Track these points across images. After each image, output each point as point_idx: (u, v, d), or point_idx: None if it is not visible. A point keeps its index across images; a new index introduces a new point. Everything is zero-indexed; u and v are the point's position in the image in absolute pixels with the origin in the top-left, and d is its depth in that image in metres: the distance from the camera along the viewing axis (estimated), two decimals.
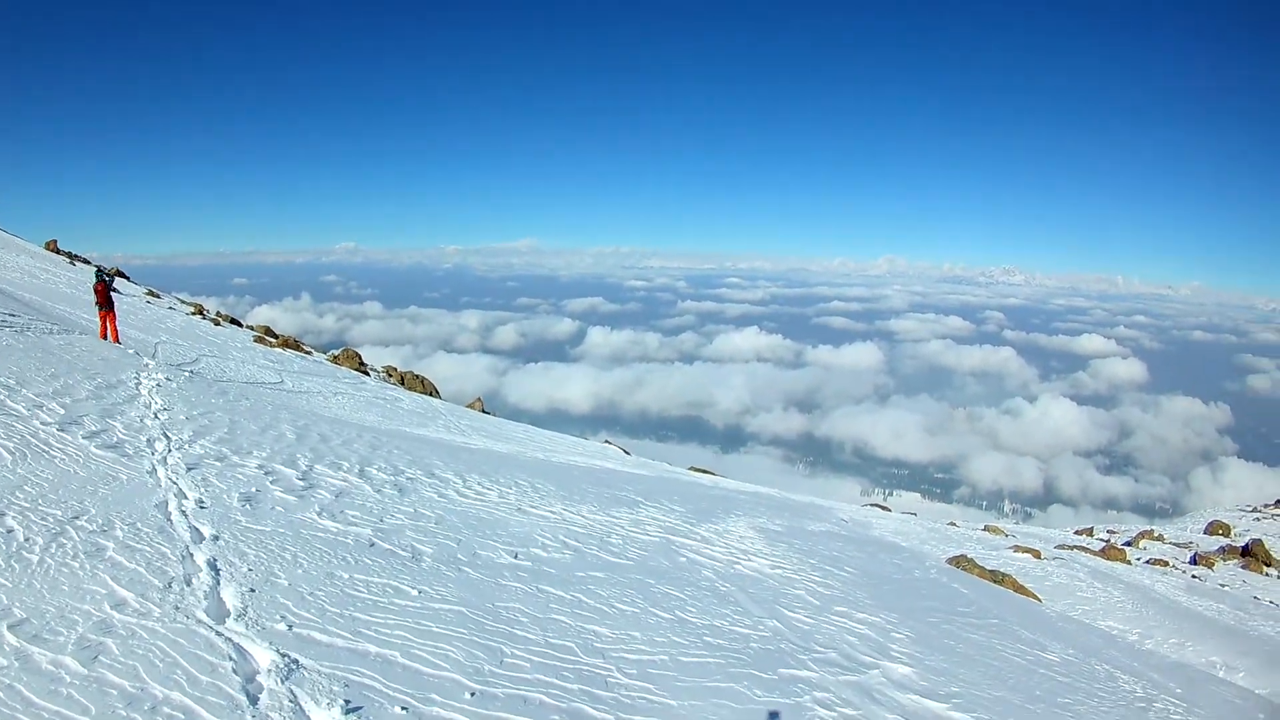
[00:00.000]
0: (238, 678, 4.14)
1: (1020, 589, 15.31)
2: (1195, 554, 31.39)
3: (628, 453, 24.62)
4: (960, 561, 15.87)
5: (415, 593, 5.65)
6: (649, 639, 5.58)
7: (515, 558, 6.80)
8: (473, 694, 4.49)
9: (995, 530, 28.28)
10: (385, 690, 4.33)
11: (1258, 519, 47.24)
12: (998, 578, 15.42)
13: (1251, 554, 31.76)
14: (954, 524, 28.18)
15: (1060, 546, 26.42)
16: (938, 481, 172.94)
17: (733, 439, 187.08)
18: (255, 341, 29.18)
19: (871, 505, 30.24)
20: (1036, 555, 20.94)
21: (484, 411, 27.43)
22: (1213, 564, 29.99)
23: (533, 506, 8.88)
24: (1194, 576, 26.69)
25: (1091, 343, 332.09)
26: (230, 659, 4.31)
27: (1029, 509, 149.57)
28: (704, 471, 25.87)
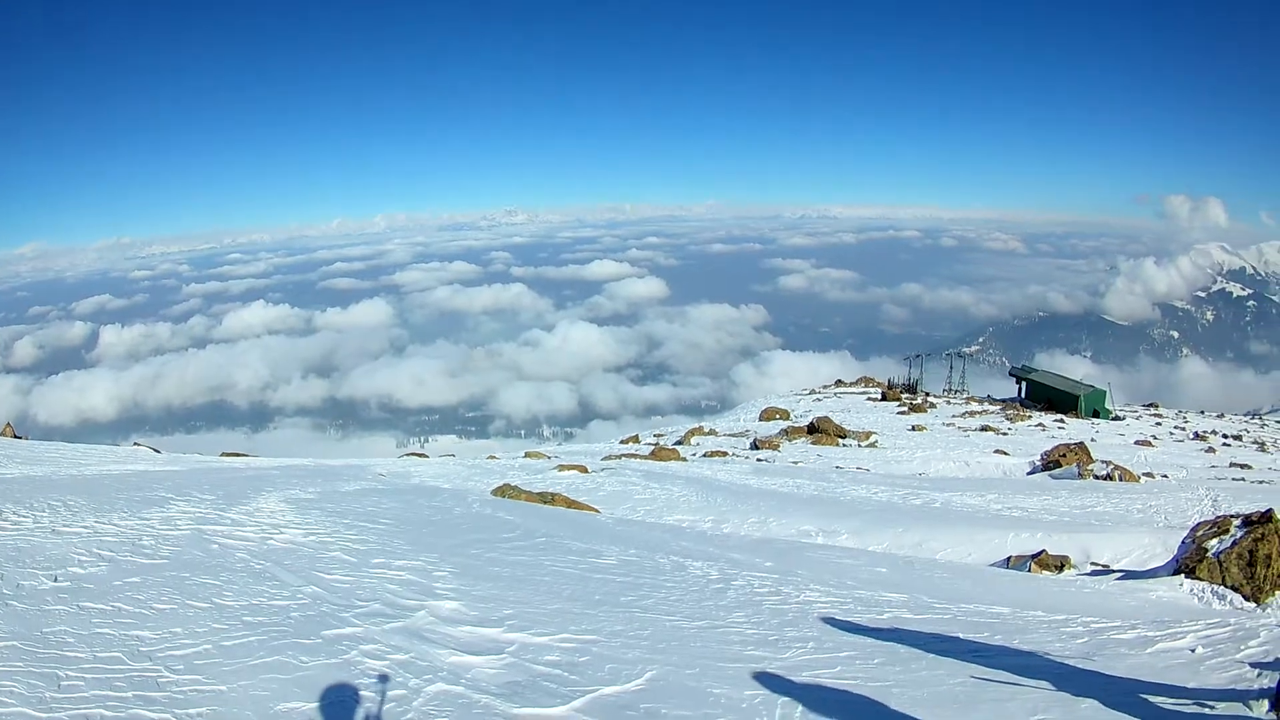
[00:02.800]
0: None
1: (573, 504, 16.94)
2: (755, 440, 35.65)
3: (158, 451, 23.98)
4: (505, 490, 17.31)
5: None
6: (191, 631, 6.08)
7: (55, 580, 6.97)
8: None
9: (537, 454, 30.78)
10: None
11: (818, 399, 55.68)
12: (547, 498, 17.00)
13: (820, 430, 36.85)
14: (494, 457, 30.18)
15: (608, 457, 29.13)
16: (471, 420, 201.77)
17: (260, 416, 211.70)
18: None
19: (409, 454, 32.03)
20: (583, 470, 23.15)
21: (16, 436, 25.00)
22: (777, 446, 34.18)
23: (66, 526, 8.82)
24: (760, 460, 30.39)
25: (604, 268, 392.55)
26: None
27: (569, 429, 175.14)
28: (237, 455, 26.87)
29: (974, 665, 7.12)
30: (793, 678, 6.48)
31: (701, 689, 6.11)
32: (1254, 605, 11.63)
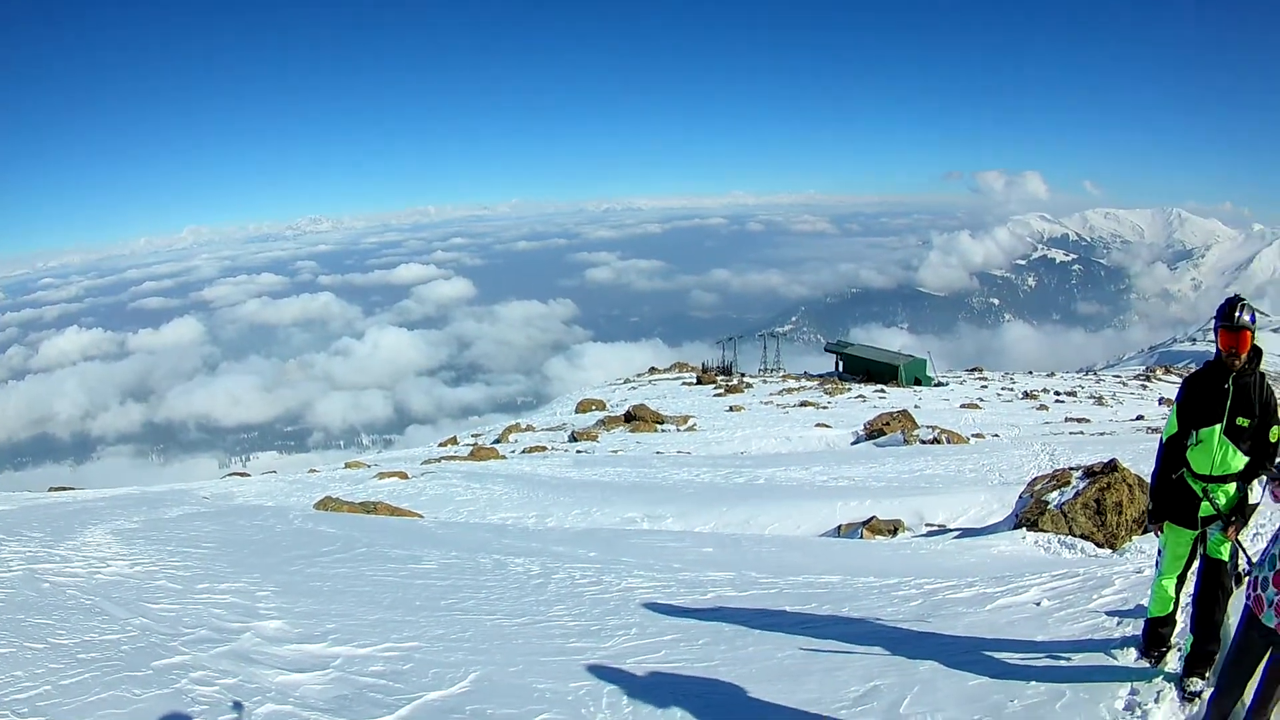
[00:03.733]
0: None
1: (396, 511, 17.53)
2: (573, 432, 36.15)
3: None
4: (326, 503, 18.04)
5: None
6: (30, 674, 6.04)
7: None
8: None
9: (357, 464, 30.90)
10: None
11: (633, 388, 56.08)
12: (369, 508, 17.51)
13: (637, 418, 37.38)
14: (315, 470, 29.87)
15: (427, 461, 29.20)
16: (290, 435, 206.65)
17: (83, 447, 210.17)
18: None
19: (232, 475, 33.06)
20: (404, 476, 23.52)
21: None
22: (595, 436, 34.62)
23: None
24: (579, 452, 30.70)
25: (410, 271, 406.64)
26: None
27: (388, 437, 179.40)
28: (64, 489, 26.84)
29: (802, 637, 7.15)
30: (617, 666, 6.69)
31: (526, 685, 6.30)
32: (1109, 551, 12.00)
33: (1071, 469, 14.16)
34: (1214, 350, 5.47)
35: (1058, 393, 50.44)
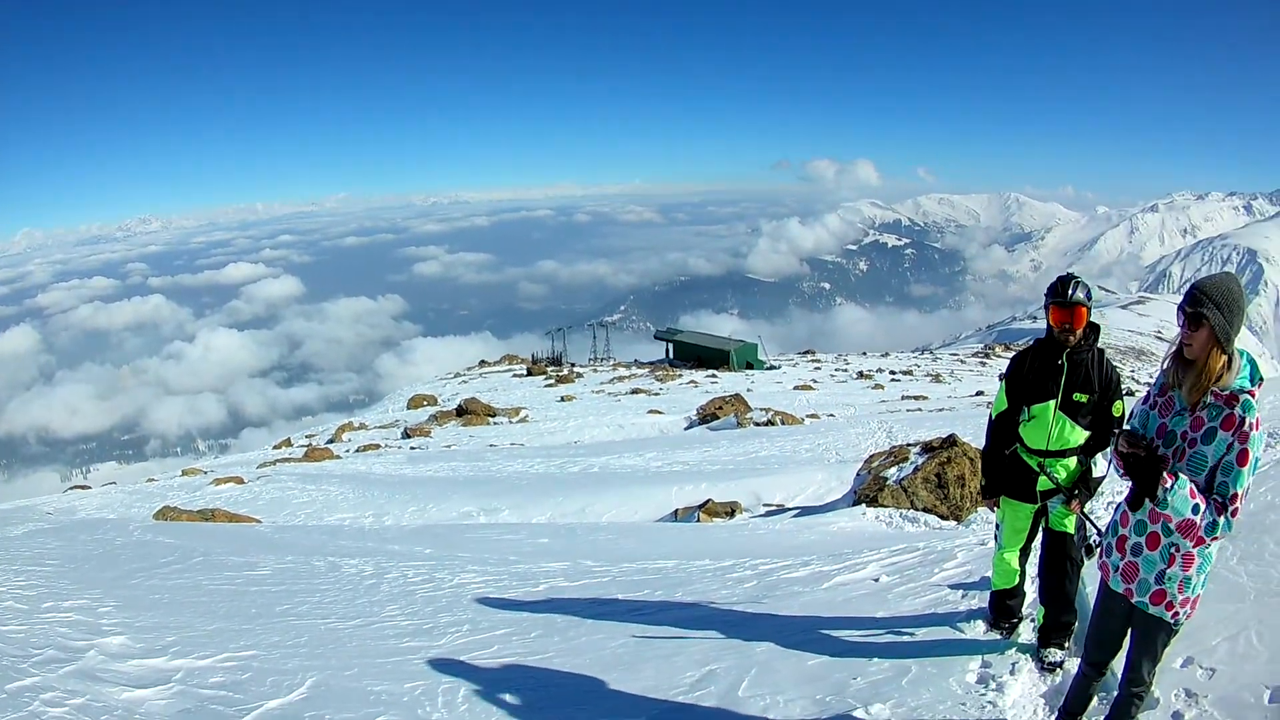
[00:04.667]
0: None
1: (234, 517, 17.44)
2: (406, 428, 35.92)
3: None
4: (165, 513, 17.79)
5: None
6: None
7: None
8: None
9: (193, 471, 30.16)
10: None
11: (464, 382, 56.12)
12: (207, 515, 17.38)
13: (469, 411, 37.50)
14: (153, 479, 29.31)
15: (262, 465, 29.09)
16: (127, 443, 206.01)
17: None
18: None
19: (73, 488, 30.70)
20: (240, 481, 23.28)
21: None
22: (429, 432, 34.50)
23: None
24: (413, 448, 30.61)
25: (239, 270, 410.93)
26: None
27: (223, 441, 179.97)
28: None
29: (635, 625, 7.10)
30: (451, 663, 6.71)
31: (362, 688, 6.31)
32: (955, 523, 12.18)
33: (909, 445, 14.45)
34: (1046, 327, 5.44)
35: (893, 372, 51.94)
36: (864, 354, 72.47)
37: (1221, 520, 3.66)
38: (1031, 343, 5.67)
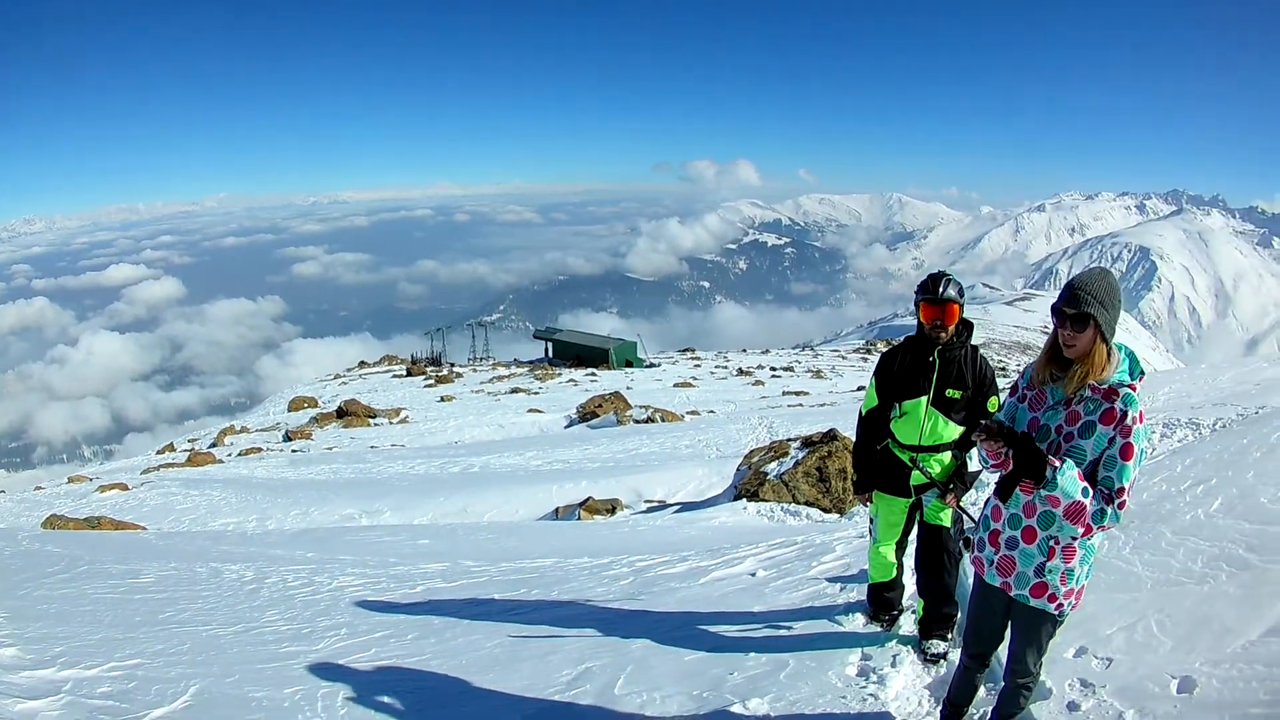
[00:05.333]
0: None
1: (119, 525, 17.24)
2: (287, 431, 35.82)
3: None
4: (52, 521, 17.54)
5: None
6: None
7: None
8: None
9: (79, 479, 29.81)
10: None
11: (344, 383, 55.74)
12: (93, 523, 17.16)
13: (350, 413, 37.38)
14: (41, 487, 28.61)
15: (146, 471, 28.67)
16: (14, 451, 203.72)
17: None
18: None
19: None
20: (124, 488, 23.15)
21: None
22: (310, 434, 34.37)
23: None
24: (295, 451, 30.60)
25: (120, 272, 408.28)
26: None
27: (108, 447, 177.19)
28: None
29: (511, 624, 7.14)
30: (329, 668, 6.67)
31: (243, 695, 6.22)
32: (838, 516, 12.36)
33: (789, 440, 14.69)
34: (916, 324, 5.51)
35: (774, 368, 52.68)
36: (744, 351, 73.29)
37: (1109, 510, 3.71)
38: (903, 340, 5.73)
